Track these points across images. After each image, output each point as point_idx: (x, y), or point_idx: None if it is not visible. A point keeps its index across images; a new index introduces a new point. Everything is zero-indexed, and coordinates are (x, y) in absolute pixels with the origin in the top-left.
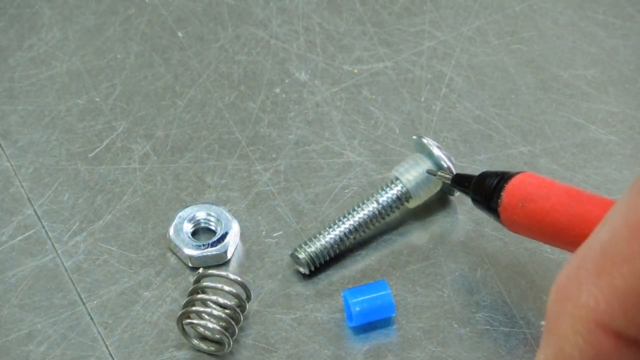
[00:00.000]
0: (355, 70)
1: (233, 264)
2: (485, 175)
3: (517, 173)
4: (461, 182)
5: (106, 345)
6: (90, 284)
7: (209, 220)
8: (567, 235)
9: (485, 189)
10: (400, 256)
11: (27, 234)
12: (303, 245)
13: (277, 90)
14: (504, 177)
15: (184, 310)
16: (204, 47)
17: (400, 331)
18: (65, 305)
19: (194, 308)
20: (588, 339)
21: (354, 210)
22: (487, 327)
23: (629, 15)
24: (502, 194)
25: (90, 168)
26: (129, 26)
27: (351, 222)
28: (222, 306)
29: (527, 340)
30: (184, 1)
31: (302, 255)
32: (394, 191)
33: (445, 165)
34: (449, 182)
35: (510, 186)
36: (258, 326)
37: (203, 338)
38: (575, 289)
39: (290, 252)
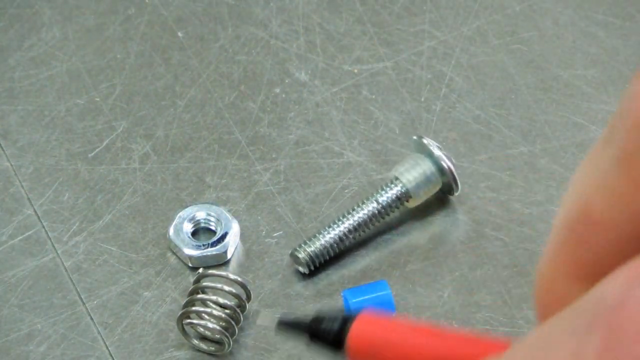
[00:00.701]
0: (355, 70)
1: (233, 264)
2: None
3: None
4: (290, 328)
5: (106, 345)
6: (90, 284)
7: (209, 220)
8: None
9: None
10: (400, 256)
11: (27, 234)
12: (303, 245)
13: (277, 90)
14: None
15: (184, 310)
16: (204, 47)
17: None
18: (65, 305)
19: (194, 308)
20: None
21: (353, 209)
22: (487, 327)
23: (629, 15)
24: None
25: (90, 168)
26: (129, 26)
27: (351, 221)
28: (222, 306)
29: None
30: (184, 1)
31: (301, 255)
32: (393, 191)
33: (446, 166)
34: (276, 329)
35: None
36: (258, 326)
37: (203, 338)
38: None
39: (290, 252)
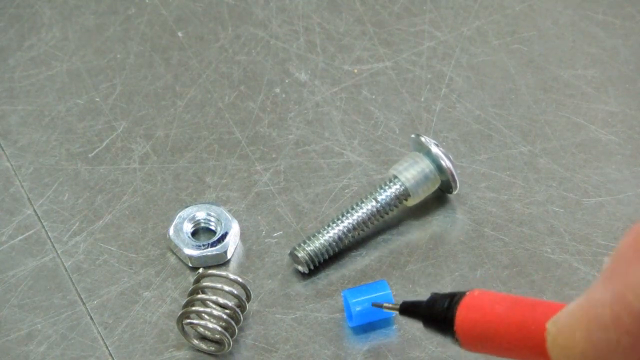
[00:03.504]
0: (355, 70)
1: (233, 264)
2: (432, 312)
3: (463, 297)
4: (409, 310)
5: (106, 345)
6: (90, 284)
7: (209, 220)
8: (528, 352)
9: (437, 328)
10: (400, 256)
11: (27, 234)
12: (302, 244)
13: (277, 90)
14: (449, 313)
15: (184, 310)
16: (204, 47)
17: (400, 331)
18: (65, 305)
19: (194, 308)
20: None
21: (352, 208)
22: None
23: (629, 15)
24: (455, 333)
25: (90, 168)
26: (129, 26)
27: (350, 220)
28: (222, 306)
29: None
30: (184, 1)
31: (301, 254)
32: (392, 189)
33: (444, 164)
34: (399, 313)
35: (460, 324)
36: (258, 326)
37: (203, 338)
38: None
39: (289, 251)
